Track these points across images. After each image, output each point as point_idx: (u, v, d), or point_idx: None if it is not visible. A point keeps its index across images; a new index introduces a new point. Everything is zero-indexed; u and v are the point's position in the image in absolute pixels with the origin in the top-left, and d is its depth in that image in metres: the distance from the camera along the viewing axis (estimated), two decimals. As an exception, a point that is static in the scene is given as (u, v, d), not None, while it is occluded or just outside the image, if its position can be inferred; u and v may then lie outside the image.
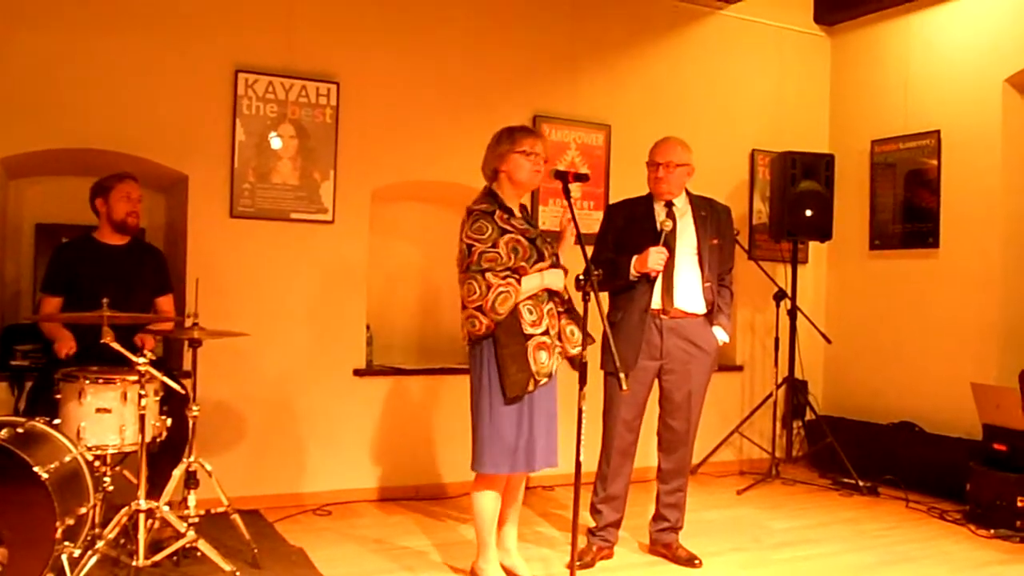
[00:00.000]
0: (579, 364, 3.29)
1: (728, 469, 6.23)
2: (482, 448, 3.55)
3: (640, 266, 3.96)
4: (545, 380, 3.53)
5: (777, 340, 6.09)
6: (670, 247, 4.01)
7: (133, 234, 4.36)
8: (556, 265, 3.65)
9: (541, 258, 3.57)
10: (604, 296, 3.94)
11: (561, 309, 3.64)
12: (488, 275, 3.45)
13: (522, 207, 3.75)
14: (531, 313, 3.51)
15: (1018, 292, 5.66)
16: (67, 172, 4.79)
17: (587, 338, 3.35)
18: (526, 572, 3.77)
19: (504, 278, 3.45)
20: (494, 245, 3.47)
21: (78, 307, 4.02)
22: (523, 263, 3.51)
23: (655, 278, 4.00)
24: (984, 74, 5.72)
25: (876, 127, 6.39)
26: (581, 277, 3.30)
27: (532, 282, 3.53)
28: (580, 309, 3.52)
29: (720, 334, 4.14)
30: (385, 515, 4.90)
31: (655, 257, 3.94)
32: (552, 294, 3.61)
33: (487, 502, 3.64)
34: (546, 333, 3.54)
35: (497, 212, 3.55)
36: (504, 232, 3.51)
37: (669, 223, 4.03)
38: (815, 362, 6.61)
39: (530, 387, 3.49)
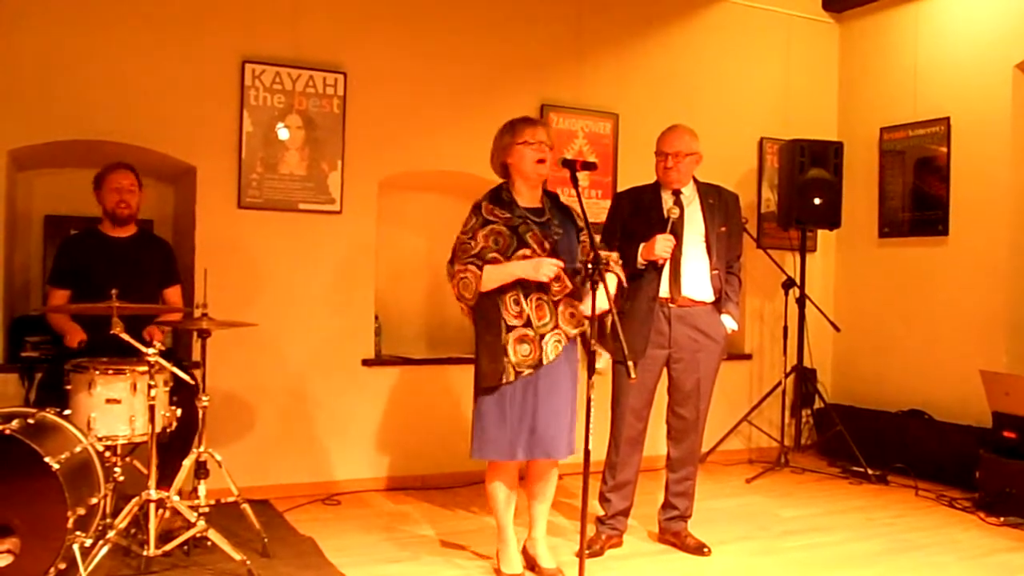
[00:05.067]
0: (588, 352, 3.28)
1: (737, 458, 6.22)
2: (473, 435, 3.63)
3: (647, 254, 3.96)
4: (529, 371, 3.50)
5: (786, 329, 6.08)
6: (677, 235, 4.00)
7: (125, 224, 4.30)
8: (554, 255, 3.54)
9: (523, 245, 3.53)
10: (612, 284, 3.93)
11: (557, 298, 3.56)
12: (456, 263, 3.57)
13: (545, 197, 3.70)
14: (516, 304, 3.52)
15: (1028, 279, 5.65)
16: (75, 164, 4.79)
17: (592, 320, 3.35)
18: (548, 563, 3.76)
19: (465, 264, 3.51)
20: (472, 235, 3.54)
21: (85, 299, 4.02)
22: (496, 254, 3.51)
23: (662, 266, 3.99)
24: (994, 60, 5.68)
25: (885, 114, 6.36)
26: (589, 266, 3.29)
27: (497, 273, 3.49)
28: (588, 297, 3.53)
29: (728, 322, 4.13)
30: (394, 504, 4.92)
31: (662, 244, 3.93)
32: (542, 285, 3.52)
33: (494, 488, 3.70)
34: (528, 325, 3.51)
35: (484, 204, 3.60)
36: (487, 223, 3.55)
37: (676, 211, 4.01)
38: (824, 350, 6.60)
39: (509, 377, 3.49)
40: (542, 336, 3.52)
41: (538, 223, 3.61)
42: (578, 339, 3.65)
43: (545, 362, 3.52)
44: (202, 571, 3.65)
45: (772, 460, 5.98)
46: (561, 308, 3.58)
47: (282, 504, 4.74)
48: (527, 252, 3.52)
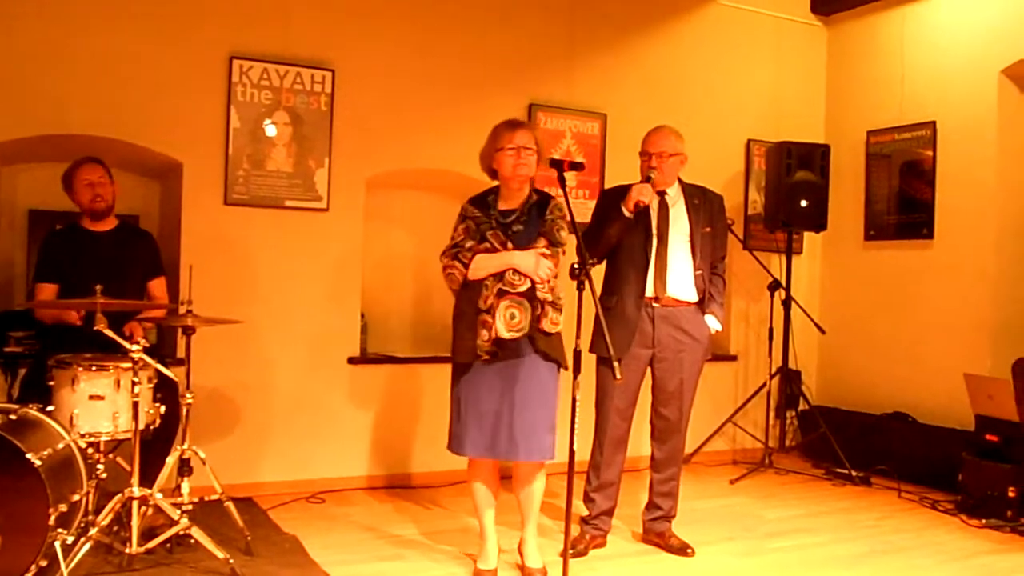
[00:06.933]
0: (574, 353, 3.28)
1: (721, 459, 6.24)
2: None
3: (628, 204, 3.94)
4: (486, 357, 3.53)
5: (771, 330, 6.09)
6: (662, 235, 4.01)
7: (103, 217, 4.27)
8: (519, 248, 3.59)
9: (483, 241, 3.60)
10: (598, 285, 3.93)
11: (510, 290, 3.55)
12: (444, 256, 3.66)
13: (532, 198, 3.69)
14: (486, 289, 3.56)
15: (1012, 283, 5.67)
16: (60, 158, 4.73)
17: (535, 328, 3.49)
18: (533, 563, 3.76)
19: (452, 260, 3.62)
20: (455, 228, 3.70)
21: (70, 295, 4.01)
22: (473, 243, 3.62)
23: (645, 207, 3.98)
24: (980, 65, 5.71)
25: (872, 118, 6.39)
26: (575, 267, 3.29)
27: (491, 261, 3.56)
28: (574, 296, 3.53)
29: (712, 322, 4.15)
30: (378, 503, 4.91)
31: (637, 188, 3.93)
32: (499, 277, 3.56)
33: (472, 484, 3.76)
34: (489, 311, 3.54)
35: (466, 203, 3.73)
36: (465, 219, 3.69)
37: (655, 172, 4.02)
38: (809, 352, 6.62)
39: (479, 356, 3.53)
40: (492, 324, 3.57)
41: (501, 223, 3.64)
42: (526, 342, 3.58)
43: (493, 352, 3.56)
44: (184, 569, 3.64)
45: (756, 461, 5.99)
46: (505, 304, 3.54)
47: (266, 502, 4.72)
48: (487, 246, 3.59)
